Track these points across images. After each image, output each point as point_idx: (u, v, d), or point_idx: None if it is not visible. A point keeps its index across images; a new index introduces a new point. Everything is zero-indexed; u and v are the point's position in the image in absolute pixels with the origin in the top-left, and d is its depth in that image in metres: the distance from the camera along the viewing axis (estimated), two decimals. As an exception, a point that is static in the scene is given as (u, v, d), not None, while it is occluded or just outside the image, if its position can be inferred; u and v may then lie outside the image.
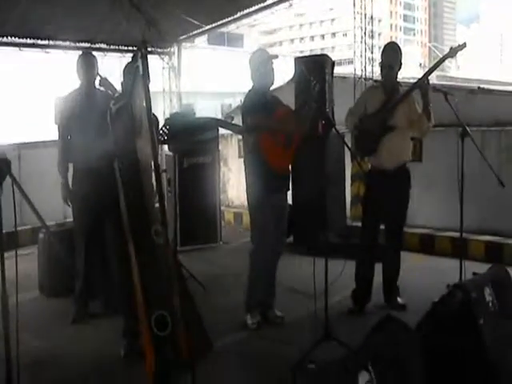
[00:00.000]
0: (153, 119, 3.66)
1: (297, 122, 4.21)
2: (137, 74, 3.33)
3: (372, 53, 8.78)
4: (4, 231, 2.45)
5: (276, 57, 4.36)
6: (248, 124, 4.25)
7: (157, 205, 3.29)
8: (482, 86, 6.72)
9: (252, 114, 4.20)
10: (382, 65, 4.49)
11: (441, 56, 4.49)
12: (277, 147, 4.18)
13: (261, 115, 4.16)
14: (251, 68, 4.32)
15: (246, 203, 4.63)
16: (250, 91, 4.36)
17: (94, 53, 5.05)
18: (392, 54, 4.44)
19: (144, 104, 3.23)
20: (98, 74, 4.54)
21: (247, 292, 4.36)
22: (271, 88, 4.42)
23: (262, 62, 4.28)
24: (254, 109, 4.20)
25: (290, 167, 4.43)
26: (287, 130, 4.19)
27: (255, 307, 4.36)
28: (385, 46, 4.53)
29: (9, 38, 7.10)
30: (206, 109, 7.98)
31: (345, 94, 7.09)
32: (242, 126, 4.83)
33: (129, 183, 3.44)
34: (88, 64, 4.55)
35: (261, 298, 4.39)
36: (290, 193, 6.11)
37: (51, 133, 7.83)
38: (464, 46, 4.17)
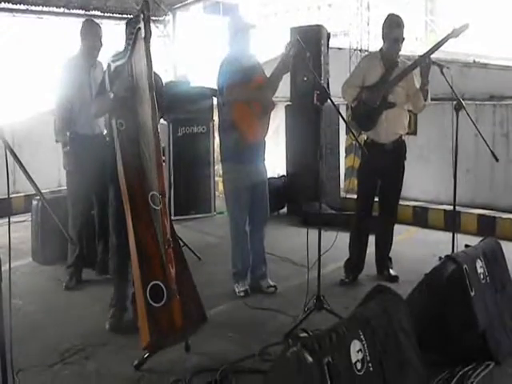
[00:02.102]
0: (156, 79, 3.58)
1: (274, 89, 4.11)
2: (138, 35, 3.25)
3: (368, 25, 8.67)
4: None
5: (253, 26, 4.27)
6: (223, 93, 4.15)
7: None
8: (477, 59, 6.65)
9: (228, 82, 4.08)
10: (385, 37, 4.40)
11: (437, 30, 4.43)
12: (252, 116, 4.12)
13: (237, 83, 4.05)
14: (229, 34, 4.22)
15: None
16: (226, 58, 4.23)
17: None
18: (397, 28, 4.35)
19: (145, 66, 3.16)
20: (101, 43, 4.43)
21: (232, 262, 4.38)
22: (253, 57, 4.30)
23: (240, 30, 4.18)
24: (229, 76, 4.08)
25: (264, 136, 4.31)
26: (264, 98, 4.12)
27: (242, 276, 4.36)
28: (389, 19, 4.40)
29: (2, 3, 6.95)
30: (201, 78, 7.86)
31: (340, 66, 7.02)
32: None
33: (127, 145, 3.38)
34: (92, 32, 4.44)
35: (251, 268, 4.40)
36: (284, 164, 6.10)
37: (45, 102, 7.77)
38: (466, 26, 4.09)
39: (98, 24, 4.61)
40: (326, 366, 2.20)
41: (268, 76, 4.18)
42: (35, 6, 7.28)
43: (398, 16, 4.43)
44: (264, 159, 4.38)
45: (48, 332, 3.73)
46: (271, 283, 4.42)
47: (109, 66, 3.51)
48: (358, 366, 2.35)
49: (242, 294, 4.29)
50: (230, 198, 4.32)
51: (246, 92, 4.10)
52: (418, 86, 4.38)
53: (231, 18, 4.27)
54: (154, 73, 3.50)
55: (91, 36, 4.44)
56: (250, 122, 4.14)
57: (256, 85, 4.14)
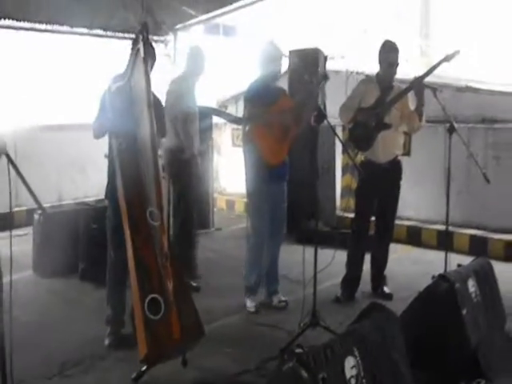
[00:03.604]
0: (156, 101, 3.62)
1: (296, 115, 4.17)
2: (137, 56, 3.29)
3: (365, 49, 8.75)
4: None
5: (285, 55, 4.39)
6: (245, 113, 4.24)
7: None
8: (469, 83, 6.72)
9: (250, 104, 4.18)
10: (381, 61, 4.48)
11: (431, 52, 4.50)
12: (271, 140, 4.17)
13: (258, 107, 4.14)
14: (262, 58, 4.28)
15: (238, 191, 4.63)
16: (255, 80, 4.33)
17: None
18: (392, 53, 4.44)
19: (145, 85, 3.20)
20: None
21: (245, 276, 4.40)
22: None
23: (275, 57, 4.26)
24: (253, 99, 4.18)
25: (285, 159, 4.36)
26: (284, 123, 4.17)
27: (254, 291, 4.39)
28: (385, 45, 4.49)
29: (4, 20, 7.01)
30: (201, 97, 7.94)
31: (337, 88, 7.07)
32: (235, 116, 4.79)
33: (126, 163, 3.40)
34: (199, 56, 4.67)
35: (266, 284, 4.43)
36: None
37: (49, 117, 7.80)
38: (458, 52, 4.17)
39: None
40: (320, 382, 2.21)
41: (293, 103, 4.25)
42: (40, 23, 7.36)
43: (393, 42, 4.51)
44: (285, 180, 4.40)
45: (47, 344, 3.72)
46: (283, 298, 4.44)
47: (109, 87, 3.54)
48: (353, 382, 2.35)
49: (252, 309, 4.31)
50: (253, 216, 4.35)
51: (265, 117, 4.15)
52: (412, 107, 4.44)
53: (267, 45, 4.33)
54: (154, 94, 3.55)
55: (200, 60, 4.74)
56: (269, 145, 4.18)
57: (278, 109, 4.18)
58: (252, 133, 4.22)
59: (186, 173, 4.82)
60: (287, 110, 4.20)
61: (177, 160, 4.74)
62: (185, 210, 4.90)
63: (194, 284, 4.73)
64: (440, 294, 3.23)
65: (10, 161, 2.42)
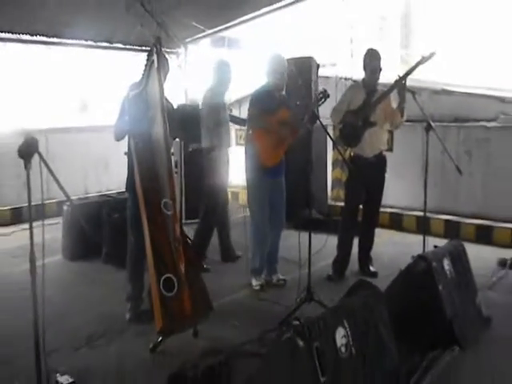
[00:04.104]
0: (168, 105, 3.63)
1: (293, 126, 4.12)
2: (152, 66, 3.28)
3: (352, 57, 8.69)
4: (33, 204, 2.42)
5: (288, 68, 4.34)
6: (248, 116, 4.20)
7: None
8: (444, 87, 6.67)
9: (254, 109, 4.13)
10: (365, 68, 4.43)
11: (411, 60, 4.46)
12: (268, 145, 4.13)
13: (261, 113, 4.09)
14: (270, 68, 4.19)
15: (241, 183, 4.61)
16: (262, 86, 4.27)
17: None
18: (375, 60, 4.40)
19: (158, 92, 3.18)
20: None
21: (252, 260, 4.39)
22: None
23: (281, 70, 4.18)
24: (257, 104, 4.13)
25: (282, 159, 4.29)
26: (281, 132, 4.12)
27: (259, 272, 4.38)
28: (369, 53, 4.44)
29: (37, 36, 6.99)
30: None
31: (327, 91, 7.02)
32: (239, 118, 4.75)
33: (143, 160, 3.38)
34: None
35: (266, 265, 4.41)
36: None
37: (74, 120, 7.79)
38: (434, 54, 4.11)
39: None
40: (315, 350, 2.21)
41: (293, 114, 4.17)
42: (67, 39, 7.33)
43: (376, 50, 4.47)
44: (282, 174, 4.35)
45: (75, 319, 3.72)
46: (281, 277, 4.44)
47: (127, 94, 3.52)
48: (343, 349, 2.36)
49: (257, 287, 4.31)
50: (253, 206, 4.32)
51: (264, 123, 4.10)
52: (394, 106, 4.41)
53: (275, 57, 4.25)
54: (167, 99, 3.52)
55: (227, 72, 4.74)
56: (266, 149, 4.14)
57: (279, 118, 4.12)
58: (252, 136, 4.19)
59: (218, 167, 4.86)
60: (285, 122, 4.13)
61: (211, 157, 4.80)
62: (216, 197, 4.93)
63: (205, 266, 4.75)
64: (419, 272, 3.22)
65: (42, 159, 2.41)
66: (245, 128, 4.52)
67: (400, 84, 4.25)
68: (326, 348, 2.26)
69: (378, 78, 4.43)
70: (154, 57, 3.27)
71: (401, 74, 4.25)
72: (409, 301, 3.16)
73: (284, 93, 4.33)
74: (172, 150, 6.57)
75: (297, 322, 2.90)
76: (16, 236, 5.86)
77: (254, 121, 4.16)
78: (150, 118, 3.41)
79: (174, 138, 3.99)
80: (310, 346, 2.20)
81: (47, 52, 7.62)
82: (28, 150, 2.36)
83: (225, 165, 4.95)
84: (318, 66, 6.75)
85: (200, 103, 5.02)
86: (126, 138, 3.61)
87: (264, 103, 4.12)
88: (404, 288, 3.24)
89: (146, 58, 3.43)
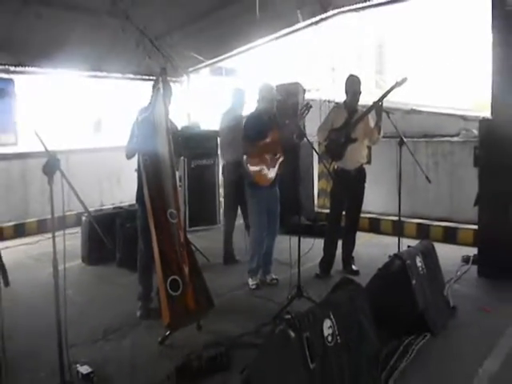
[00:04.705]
0: (173, 127, 3.65)
1: (283, 144, 4.12)
2: (158, 93, 3.30)
3: (333, 82, 8.76)
4: (55, 215, 2.42)
5: (278, 98, 4.43)
6: (243, 140, 4.18)
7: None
8: (414, 107, 6.72)
9: (248, 139, 4.11)
10: (347, 92, 4.46)
11: (385, 85, 4.49)
12: (261, 168, 4.11)
13: (255, 137, 4.07)
14: (260, 95, 4.21)
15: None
16: (253, 112, 4.28)
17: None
18: (355, 84, 4.43)
19: (164, 115, 3.20)
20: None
21: (249, 261, 4.36)
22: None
23: (270, 98, 4.19)
24: (251, 134, 4.10)
25: (274, 177, 4.26)
26: (273, 151, 4.12)
27: (255, 273, 4.36)
28: (350, 78, 4.47)
29: (59, 69, 7.04)
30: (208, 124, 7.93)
31: (313, 113, 7.06)
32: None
33: (151, 175, 3.38)
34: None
35: (261, 266, 4.39)
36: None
37: (90, 142, 7.80)
38: (406, 79, 4.13)
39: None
40: (305, 340, 2.20)
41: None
42: (84, 71, 7.37)
43: (356, 76, 4.51)
44: (276, 185, 4.32)
45: (93, 316, 3.71)
46: (274, 277, 4.42)
47: (137, 118, 3.53)
48: (329, 338, 2.35)
49: (254, 286, 4.28)
50: (253, 214, 4.30)
51: (258, 148, 4.08)
52: (372, 124, 4.44)
53: (265, 86, 4.25)
54: (171, 121, 3.53)
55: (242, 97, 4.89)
56: (259, 173, 4.13)
57: (271, 139, 4.10)
58: (247, 162, 4.16)
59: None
60: (276, 143, 4.13)
61: (235, 170, 4.77)
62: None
63: None
64: (395, 269, 3.23)
65: (63, 175, 2.42)
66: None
67: (377, 105, 4.29)
68: (315, 338, 2.26)
69: (358, 100, 4.47)
70: (160, 84, 3.30)
71: (377, 98, 4.29)
72: (386, 294, 3.16)
73: (274, 113, 4.34)
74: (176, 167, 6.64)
75: (288, 316, 2.91)
76: (41, 244, 5.84)
77: (248, 147, 4.13)
78: (157, 139, 3.43)
79: (179, 156, 3.98)
80: (300, 337, 2.19)
81: (65, 81, 7.67)
82: (51, 168, 2.39)
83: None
84: (304, 90, 6.80)
85: (219, 123, 5.16)
86: (136, 156, 3.63)
87: (256, 128, 4.10)
88: (382, 283, 3.24)
89: (152, 85, 3.46)
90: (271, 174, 4.22)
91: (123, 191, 7.38)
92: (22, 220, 6.51)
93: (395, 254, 3.34)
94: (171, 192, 3.28)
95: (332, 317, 2.40)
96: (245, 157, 4.19)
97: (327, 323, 2.36)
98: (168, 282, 3.03)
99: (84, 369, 2.78)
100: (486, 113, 4.79)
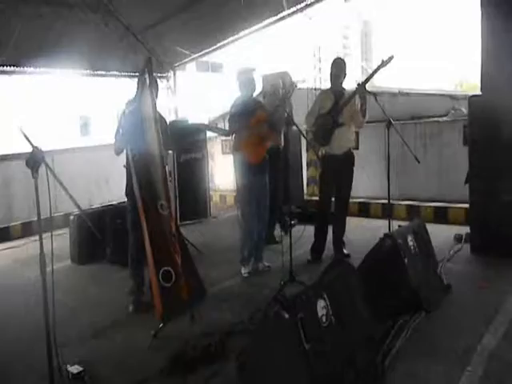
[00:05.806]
0: (162, 121, 3.58)
1: (271, 126, 4.16)
2: (144, 84, 3.23)
3: (320, 72, 8.76)
4: (42, 217, 2.29)
5: (254, 70, 4.37)
6: (230, 127, 4.22)
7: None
8: (401, 90, 6.72)
9: (234, 120, 4.16)
10: (332, 74, 4.43)
11: (370, 71, 4.42)
12: (251, 146, 4.14)
13: (239, 122, 4.11)
14: (239, 84, 4.29)
15: (228, 187, 4.56)
16: (237, 98, 4.32)
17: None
18: (338, 67, 4.40)
19: (151, 106, 3.14)
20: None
21: (240, 250, 4.35)
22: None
23: (247, 82, 4.27)
24: (236, 115, 4.16)
25: (265, 157, 4.29)
26: (260, 132, 4.13)
27: (247, 261, 4.34)
28: (333, 61, 4.46)
29: (42, 68, 6.92)
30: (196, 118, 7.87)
31: (300, 101, 7.03)
32: (224, 129, 4.73)
33: (140, 167, 3.32)
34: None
35: (253, 254, 4.37)
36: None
37: (76, 141, 7.70)
38: (392, 57, 4.04)
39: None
40: (299, 321, 2.17)
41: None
42: (67, 69, 7.27)
43: (341, 58, 4.47)
44: (266, 174, 4.31)
45: (83, 316, 3.64)
46: (266, 264, 4.41)
47: (123, 111, 3.46)
48: (324, 319, 2.32)
49: (246, 274, 4.28)
50: (242, 203, 4.30)
51: (244, 124, 4.12)
52: (358, 108, 4.40)
53: (240, 74, 4.34)
54: (160, 115, 3.47)
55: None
56: (250, 150, 4.15)
57: (256, 119, 4.16)
58: (237, 143, 4.21)
59: None
60: (263, 121, 4.16)
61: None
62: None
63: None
64: (386, 248, 3.21)
65: (48, 167, 2.26)
66: (227, 138, 4.49)
67: (362, 88, 4.25)
68: (309, 318, 2.23)
69: (342, 82, 4.44)
70: (146, 75, 3.23)
71: (361, 81, 4.25)
72: (379, 274, 3.14)
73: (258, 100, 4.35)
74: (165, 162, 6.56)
75: (282, 298, 2.88)
76: (27, 247, 5.76)
77: (234, 123, 4.15)
78: (145, 130, 3.36)
79: (167, 149, 3.92)
80: (294, 318, 2.16)
81: (52, 81, 7.56)
82: (35, 160, 2.26)
83: None
84: (291, 79, 6.75)
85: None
86: (125, 151, 3.56)
87: (241, 112, 4.15)
88: (374, 263, 3.22)
89: (138, 77, 3.39)
90: (261, 152, 4.23)
91: (111, 191, 7.28)
92: (6, 224, 6.42)
93: (385, 234, 3.32)
94: (161, 184, 3.23)
95: (326, 297, 2.37)
96: (233, 135, 4.18)
97: (321, 303, 2.33)
98: (160, 274, 2.99)
99: (74, 368, 2.71)
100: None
